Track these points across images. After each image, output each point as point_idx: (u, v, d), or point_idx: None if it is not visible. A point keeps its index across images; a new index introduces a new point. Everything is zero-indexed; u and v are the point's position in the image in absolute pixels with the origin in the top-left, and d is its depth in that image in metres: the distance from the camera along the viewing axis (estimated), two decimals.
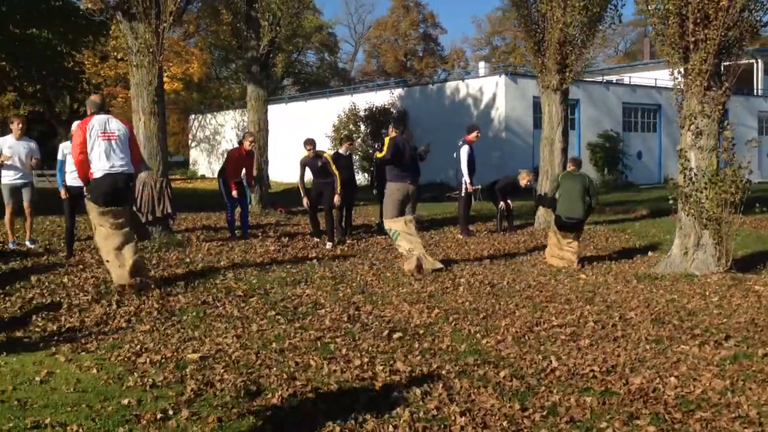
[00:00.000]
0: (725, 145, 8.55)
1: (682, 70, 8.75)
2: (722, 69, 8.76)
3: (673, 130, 23.94)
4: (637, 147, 25.97)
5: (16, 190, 9.66)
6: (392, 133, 9.25)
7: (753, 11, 8.62)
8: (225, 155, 30.88)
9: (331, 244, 10.62)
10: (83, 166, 7.20)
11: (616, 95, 25.71)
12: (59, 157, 9.03)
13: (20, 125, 9.67)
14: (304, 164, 11.26)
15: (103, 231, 7.33)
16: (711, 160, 8.54)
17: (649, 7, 8.96)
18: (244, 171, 11.28)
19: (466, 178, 11.99)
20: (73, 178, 8.63)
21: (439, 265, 8.91)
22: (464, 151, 11.97)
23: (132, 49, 10.14)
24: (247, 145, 11.16)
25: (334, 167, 10.78)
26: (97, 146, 7.11)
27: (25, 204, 9.73)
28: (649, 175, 25.86)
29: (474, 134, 12.25)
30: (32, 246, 9.70)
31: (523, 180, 12.79)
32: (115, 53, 12.02)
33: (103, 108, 7.42)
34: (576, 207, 9.36)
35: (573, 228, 9.47)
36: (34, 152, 9.73)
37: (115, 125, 7.27)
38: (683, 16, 8.50)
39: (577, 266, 9.21)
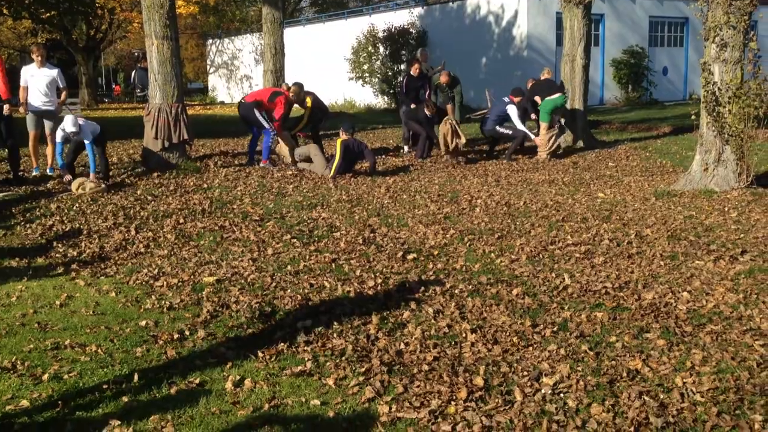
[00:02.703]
0: (750, 57, 8.28)
1: None
2: None
3: (699, 45, 23.21)
4: (662, 63, 25.23)
5: (38, 118, 9.68)
6: (343, 136, 10.06)
7: None
8: (245, 81, 30.26)
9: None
10: None
11: (643, 8, 24.83)
12: None
13: (39, 54, 9.63)
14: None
15: None
16: (735, 73, 8.28)
17: None
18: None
19: (526, 132, 12.03)
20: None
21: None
22: (513, 110, 11.82)
23: None
24: (293, 96, 11.00)
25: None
26: None
27: (47, 132, 9.72)
28: (674, 92, 25.21)
29: (520, 99, 12.03)
30: (52, 174, 9.77)
31: (544, 75, 12.90)
32: None
33: None
34: None
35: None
36: (59, 79, 9.68)
37: None
38: None
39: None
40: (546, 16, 22.26)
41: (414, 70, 12.62)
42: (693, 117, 8.73)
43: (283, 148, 10.91)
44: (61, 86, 9.71)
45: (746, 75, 8.33)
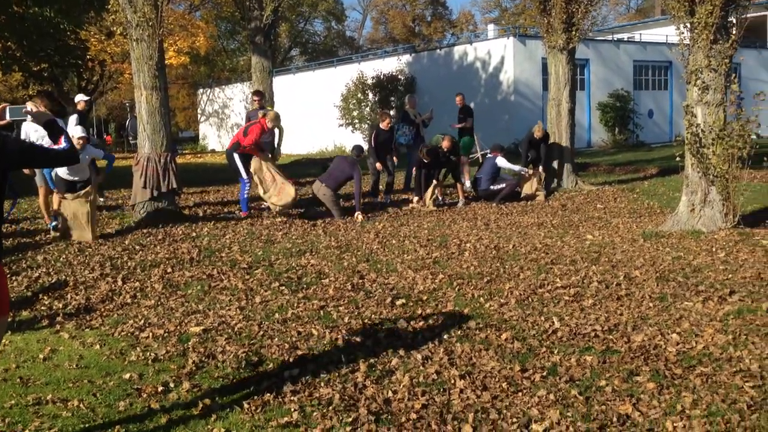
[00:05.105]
0: (732, 99, 8.40)
1: (688, 24, 8.58)
2: (729, 22, 8.58)
3: (683, 88, 23.62)
4: (648, 105, 25.59)
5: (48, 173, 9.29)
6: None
7: None
8: (236, 129, 30.41)
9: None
10: None
11: (627, 53, 25.28)
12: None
13: (43, 106, 9.31)
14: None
15: None
16: (718, 115, 8.39)
17: None
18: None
19: (522, 170, 12.42)
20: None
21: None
22: (501, 161, 12.13)
23: (131, 23, 10.05)
24: (268, 123, 10.67)
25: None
26: None
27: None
28: (660, 134, 25.51)
29: (502, 153, 12.38)
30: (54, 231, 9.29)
31: (538, 133, 12.93)
32: (115, 28, 11.93)
33: None
34: None
35: None
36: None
37: None
38: None
39: None
40: (532, 62, 22.63)
41: (385, 125, 12.05)
42: (678, 159, 8.81)
43: (278, 198, 10.67)
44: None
45: (729, 116, 8.44)
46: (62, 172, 8.91)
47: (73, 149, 3.43)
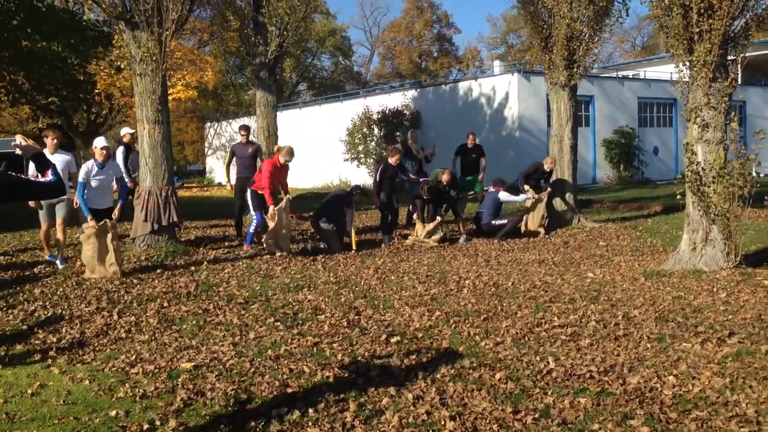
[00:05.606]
0: (732, 137, 8.39)
1: (687, 62, 8.61)
2: (728, 60, 8.60)
3: None
4: (653, 142, 25.64)
5: (51, 206, 9.25)
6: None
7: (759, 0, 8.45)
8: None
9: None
10: None
11: (631, 90, 25.41)
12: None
13: (54, 139, 9.19)
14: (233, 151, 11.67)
15: None
16: (718, 153, 8.37)
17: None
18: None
19: (527, 197, 12.57)
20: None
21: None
22: (503, 194, 12.27)
23: (135, 58, 10.17)
24: (281, 158, 10.47)
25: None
26: None
27: (59, 221, 9.25)
28: (665, 171, 25.51)
29: (503, 186, 12.57)
30: (61, 266, 9.19)
31: (548, 165, 13.04)
32: (119, 62, 12.08)
33: None
34: None
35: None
36: (71, 165, 9.33)
37: None
38: (687, 7, 8.35)
39: None
40: (537, 98, 22.74)
41: (394, 161, 11.81)
42: (679, 197, 8.78)
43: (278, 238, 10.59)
44: (72, 171, 9.33)
45: (730, 154, 8.41)
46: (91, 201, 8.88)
47: (60, 182, 3.44)
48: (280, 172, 10.52)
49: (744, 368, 4.90)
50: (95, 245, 8.47)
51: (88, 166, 8.85)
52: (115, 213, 9.04)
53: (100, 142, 9.03)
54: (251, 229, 10.60)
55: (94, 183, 8.86)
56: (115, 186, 9.18)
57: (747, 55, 8.98)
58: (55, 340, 6.16)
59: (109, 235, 8.51)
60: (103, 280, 8.38)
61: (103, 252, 8.52)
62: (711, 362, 5.07)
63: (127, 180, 10.71)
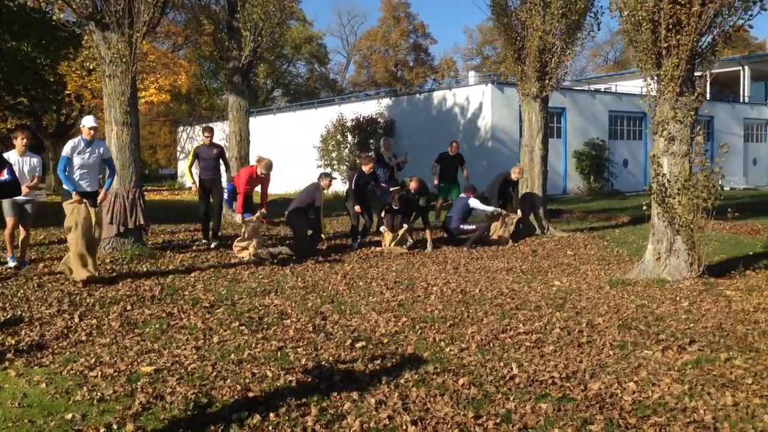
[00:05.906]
0: (697, 150, 8.52)
1: (655, 76, 8.73)
2: (695, 75, 8.74)
3: None
4: (623, 155, 25.98)
5: (18, 206, 9.06)
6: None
7: (726, 17, 8.59)
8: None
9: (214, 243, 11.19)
10: None
11: (603, 103, 25.73)
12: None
13: (24, 140, 9.06)
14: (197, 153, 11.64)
15: None
16: (684, 166, 8.49)
17: (622, 14, 8.94)
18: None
19: (496, 210, 12.48)
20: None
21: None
22: (474, 201, 12.28)
23: (105, 59, 10.07)
24: (258, 170, 10.54)
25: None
26: None
27: (24, 222, 9.14)
28: (634, 183, 25.85)
29: (474, 193, 12.60)
30: (22, 269, 9.05)
31: (515, 174, 13.06)
32: (89, 63, 11.90)
33: None
34: None
35: None
36: (36, 169, 9.15)
37: None
38: (656, 22, 8.48)
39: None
40: (510, 109, 22.90)
41: (368, 169, 12.01)
42: (645, 208, 8.89)
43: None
44: (37, 174, 9.19)
45: (694, 167, 8.54)
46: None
47: (16, 182, 3.39)
48: (256, 182, 10.75)
49: (703, 375, 4.96)
50: (79, 240, 8.17)
51: (74, 141, 8.74)
52: (101, 197, 8.92)
53: (88, 121, 8.81)
54: (225, 196, 11.19)
55: (77, 161, 8.65)
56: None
57: (714, 71, 9.14)
58: (13, 342, 6.04)
59: (96, 231, 8.33)
60: (64, 282, 8.24)
61: (92, 248, 8.28)
62: (671, 369, 5.12)
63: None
